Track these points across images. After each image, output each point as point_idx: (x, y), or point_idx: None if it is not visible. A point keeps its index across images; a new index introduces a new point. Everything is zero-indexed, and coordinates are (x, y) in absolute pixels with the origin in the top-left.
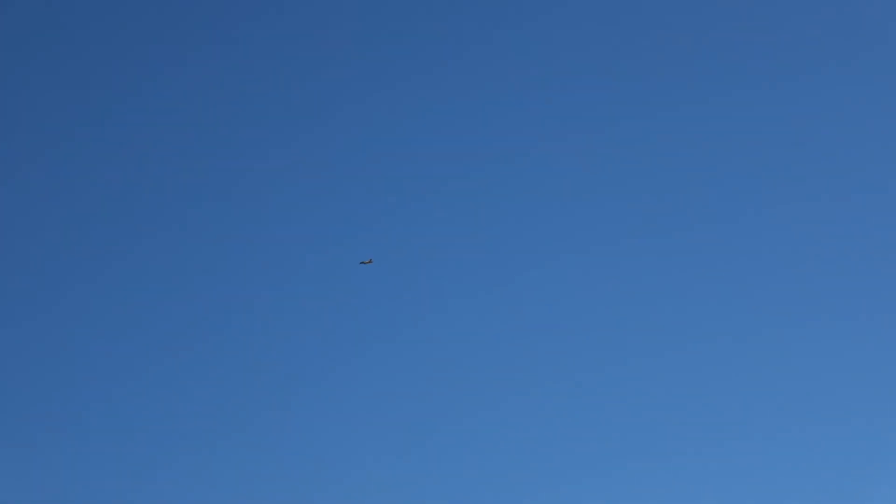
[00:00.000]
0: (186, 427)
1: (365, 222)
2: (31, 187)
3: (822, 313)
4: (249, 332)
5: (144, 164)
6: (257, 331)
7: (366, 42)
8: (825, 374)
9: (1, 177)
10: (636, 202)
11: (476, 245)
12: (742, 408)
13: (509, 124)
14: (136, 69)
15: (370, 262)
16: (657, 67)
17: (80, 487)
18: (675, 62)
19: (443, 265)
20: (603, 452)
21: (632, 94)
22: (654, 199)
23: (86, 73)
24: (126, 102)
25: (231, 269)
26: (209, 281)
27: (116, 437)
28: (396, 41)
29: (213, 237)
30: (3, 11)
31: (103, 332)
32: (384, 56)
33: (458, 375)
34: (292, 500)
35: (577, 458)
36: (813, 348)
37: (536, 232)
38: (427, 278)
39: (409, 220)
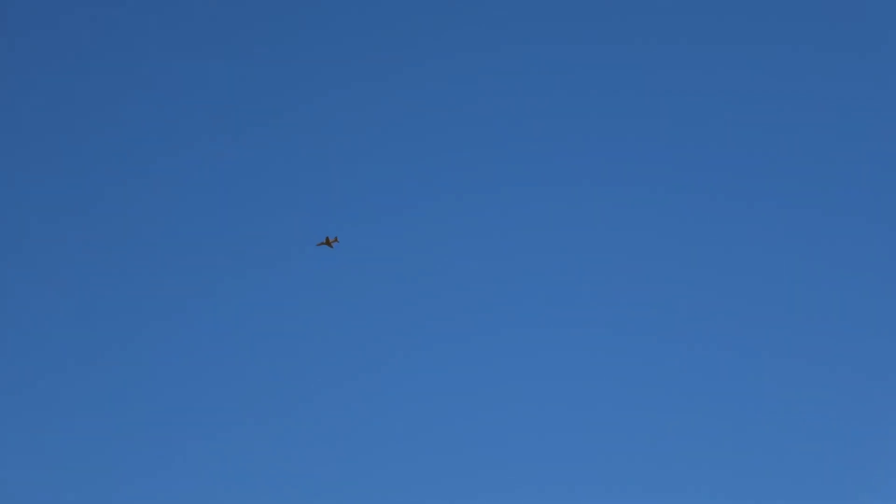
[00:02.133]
0: (192, 427)
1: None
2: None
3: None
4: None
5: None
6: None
7: (361, 39)
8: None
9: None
10: (633, 201)
11: (475, 247)
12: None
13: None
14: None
15: (332, 241)
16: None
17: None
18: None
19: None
20: (603, 450)
21: (631, 91)
22: (653, 197)
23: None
24: (121, 99)
25: (228, 268)
26: (208, 279)
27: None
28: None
29: (211, 237)
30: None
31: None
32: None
33: (455, 376)
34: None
35: (569, 456)
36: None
37: (534, 230)
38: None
39: (408, 219)
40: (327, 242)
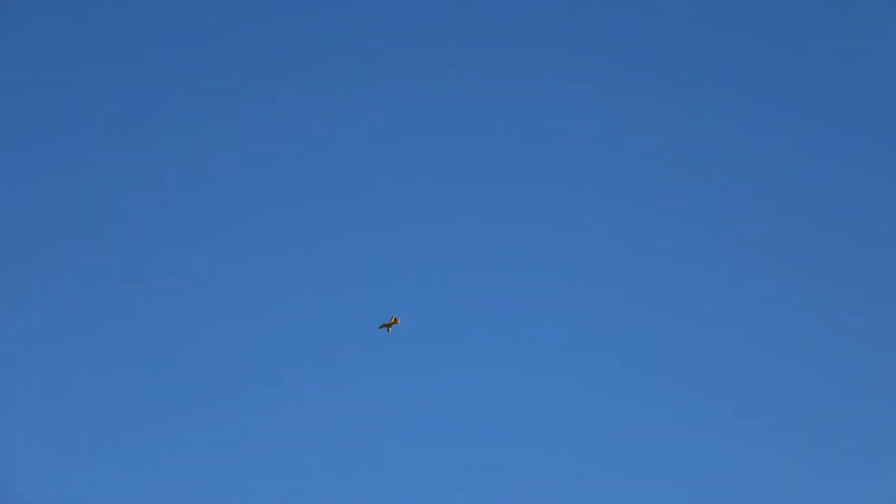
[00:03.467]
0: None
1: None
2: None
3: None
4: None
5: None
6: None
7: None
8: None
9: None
10: (630, 201)
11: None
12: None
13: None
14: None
15: (391, 324)
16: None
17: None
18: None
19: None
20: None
21: (631, 97)
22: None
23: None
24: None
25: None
26: (203, 276)
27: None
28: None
29: (210, 233)
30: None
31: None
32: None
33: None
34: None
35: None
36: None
37: (532, 231)
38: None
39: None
40: (389, 325)
